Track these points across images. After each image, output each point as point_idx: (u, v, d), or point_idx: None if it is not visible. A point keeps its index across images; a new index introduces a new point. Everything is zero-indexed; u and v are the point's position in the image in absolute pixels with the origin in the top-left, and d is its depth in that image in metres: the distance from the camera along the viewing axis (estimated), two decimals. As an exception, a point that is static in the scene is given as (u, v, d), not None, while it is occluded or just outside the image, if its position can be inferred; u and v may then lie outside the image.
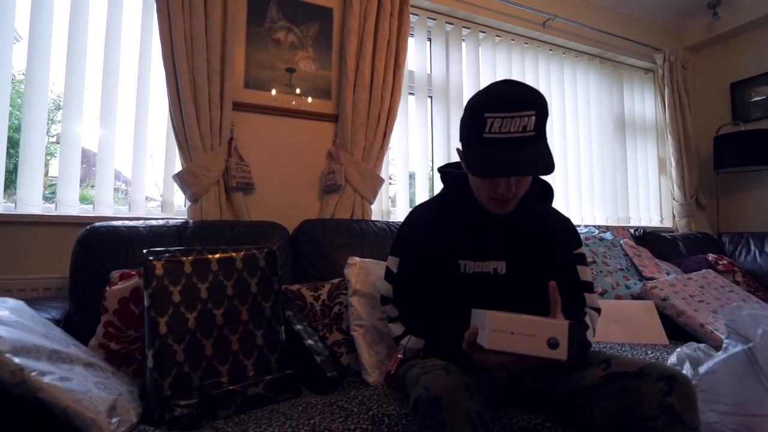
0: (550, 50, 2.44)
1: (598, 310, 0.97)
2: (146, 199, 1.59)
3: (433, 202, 1.03)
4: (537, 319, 0.69)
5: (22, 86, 1.44)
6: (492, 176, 0.81)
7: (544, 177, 0.99)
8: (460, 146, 0.92)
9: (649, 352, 1.28)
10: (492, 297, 0.93)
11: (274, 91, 1.70)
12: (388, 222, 1.63)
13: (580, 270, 0.97)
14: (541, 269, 0.94)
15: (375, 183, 1.76)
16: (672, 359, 1.11)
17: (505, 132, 0.77)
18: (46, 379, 0.68)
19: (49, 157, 1.50)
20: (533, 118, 0.77)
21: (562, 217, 1.02)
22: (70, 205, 1.44)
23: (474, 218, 0.94)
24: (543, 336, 0.68)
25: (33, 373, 0.67)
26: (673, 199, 2.68)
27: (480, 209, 0.92)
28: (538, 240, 0.94)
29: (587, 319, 0.92)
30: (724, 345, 0.92)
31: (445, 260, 0.94)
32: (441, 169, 1.00)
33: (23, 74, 1.42)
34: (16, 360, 0.66)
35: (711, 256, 2.08)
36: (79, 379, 0.74)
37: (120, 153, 1.54)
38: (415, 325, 0.93)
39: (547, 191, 0.96)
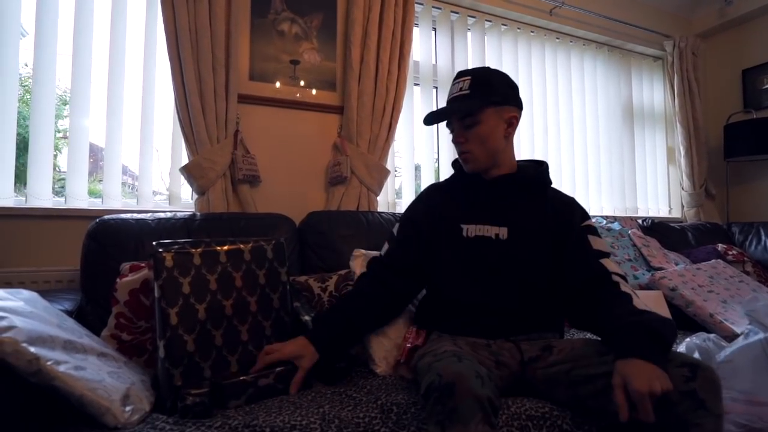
0: (557, 38, 2.41)
1: (622, 277, 0.94)
2: (153, 193, 1.60)
3: (444, 182, 1.17)
4: None
5: (29, 81, 1.45)
6: (427, 122, 1.06)
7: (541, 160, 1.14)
8: None
9: (657, 341, 1.28)
10: (495, 261, 0.98)
11: (278, 83, 1.70)
12: (395, 213, 1.63)
13: (592, 240, 0.98)
14: (545, 239, 0.99)
15: (381, 174, 1.76)
16: (681, 349, 1.10)
17: (449, 96, 1.04)
18: (62, 368, 0.69)
19: (57, 152, 1.51)
20: (468, 80, 1.00)
21: (566, 195, 1.09)
22: (80, 199, 1.45)
23: (474, 185, 1.05)
24: None
25: (49, 362, 0.68)
26: (682, 188, 2.64)
27: (478, 178, 1.05)
28: (540, 211, 1.01)
29: (624, 289, 0.88)
30: (745, 331, 0.90)
31: (448, 225, 1.03)
32: (453, 162, 1.14)
33: (30, 69, 1.43)
34: (32, 349, 0.67)
35: (720, 246, 2.06)
36: (92, 369, 0.75)
37: (127, 146, 1.55)
38: (365, 277, 1.07)
39: (541, 164, 1.09)
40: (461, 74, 1.03)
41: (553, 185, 1.09)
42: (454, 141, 1.03)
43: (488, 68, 1.05)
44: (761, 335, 0.81)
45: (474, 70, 1.03)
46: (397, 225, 1.11)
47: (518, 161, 1.09)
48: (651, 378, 0.70)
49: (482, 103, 0.99)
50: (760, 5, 2.46)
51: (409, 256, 1.06)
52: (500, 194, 1.03)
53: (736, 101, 2.66)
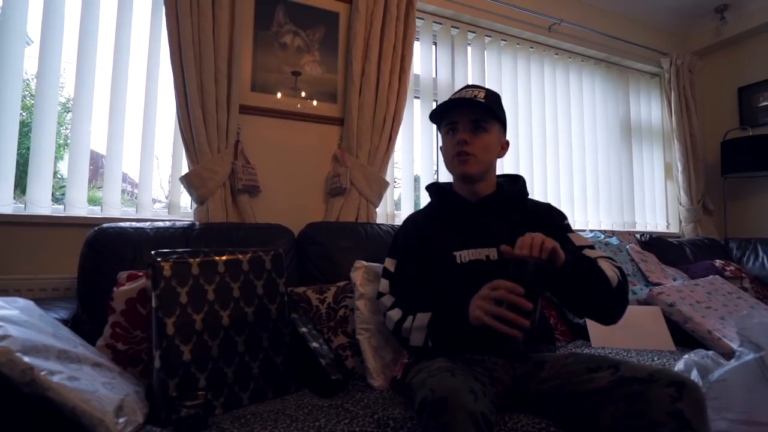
0: (556, 54, 2.44)
1: (608, 258, 0.96)
2: (153, 201, 1.60)
3: (423, 210, 1.16)
4: None
5: (33, 88, 1.46)
6: (447, 113, 1.03)
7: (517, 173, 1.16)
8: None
9: (655, 358, 1.27)
10: (488, 282, 0.95)
11: (279, 94, 1.72)
12: (393, 225, 1.63)
13: (573, 237, 1.01)
14: None
15: (380, 186, 1.76)
16: (680, 366, 1.10)
17: (460, 97, 1.01)
18: (55, 379, 0.68)
19: (58, 159, 1.52)
20: (483, 92, 1.01)
21: (542, 202, 1.11)
22: (79, 206, 1.45)
23: (459, 211, 1.06)
24: None
25: (42, 373, 0.67)
26: (680, 204, 2.66)
27: (463, 202, 1.06)
28: (521, 224, 1.00)
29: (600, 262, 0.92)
30: (737, 353, 0.91)
31: (441, 255, 1.02)
32: (427, 186, 1.14)
33: (34, 77, 1.44)
34: (26, 359, 0.67)
35: (718, 262, 2.06)
36: (87, 379, 0.74)
37: (128, 155, 1.56)
38: (415, 304, 0.97)
39: (518, 179, 1.11)
40: (475, 86, 1.05)
41: (529, 196, 1.12)
42: (458, 140, 1.00)
43: (496, 92, 1.07)
44: (753, 355, 0.81)
45: (487, 88, 1.05)
46: (387, 259, 1.08)
47: (497, 176, 1.11)
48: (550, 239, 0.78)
49: (495, 115, 1.01)
50: (756, 25, 2.51)
51: (414, 279, 1.04)
52: (486, 215, 1.04)
53: (733, 118, 2.69)
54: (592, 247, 1.00)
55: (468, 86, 1.06)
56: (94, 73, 1.50)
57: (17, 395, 0.67)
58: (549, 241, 0.80)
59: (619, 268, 0.95)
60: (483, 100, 1.00)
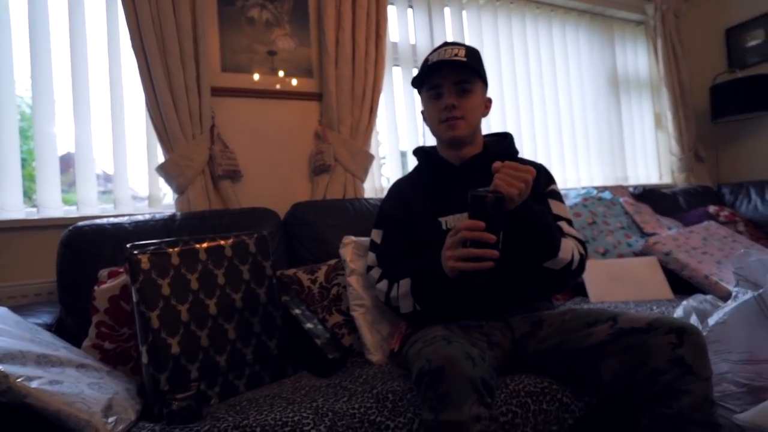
0: (537, 9, 2.35)
1: (579, 242, 0.93)
2: (132, 197, 1.54)
3: (408, 176, 1.13)
4: None
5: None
6: (427, 74, 0.97)
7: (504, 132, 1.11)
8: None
9: (654, 307, 1.27)
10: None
11: (256, 76, 1.63)
12: (381, 199, 1.59)
13: (553, 204, 0.97)
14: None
15: (365, 160, 1.71)
16: (678, 312, 1.09)
17: (440, 58, 0.95)
18: (34, 384, 0.65)
19: (28, 161, 1.44)
20: (462, 50, 0.96)
21: (532, 162, 1.05)
22: (53, 207, 1.39)
23: (444, 174, 1.02)
24: None
25: (19, 379, 0.64)
26: (671, 153, 2.63)
27: (448, 166, 1.02)
28: None
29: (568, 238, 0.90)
30: (733, 293, 0.89)
31: (426, 222, 0.99)
32: (414, 150, 1.11)
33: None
34: (0, 367, 0.63)
35: (712, 208, 2.05)
36: (70, 382, 0.71)
37: (99, 150, 1.49)
38: (398, 272, 0.94)
39: (506, 136, 1.07)
40: (453, 44, 0.99)
41: (520, 155, 1.07)
42: (445, 105, 0.96)
43: (475, 48, 1.01)
44: (751, 294, 0.79)
45: (468, 45, 0.99)
46: (374, 231, 1.06)
47: (483, 137, 1.07)
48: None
49: (479, 74, 0.97)
50: (741, -39, 2.42)
51: (401, 248, 1.01)
52: (472, 178, 0.98)
53: (721, 61, 2.63)
54: (570, 222, 0.96)
55: (446, 44, 1.00)
56: (51, 67, 1.41)
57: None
58: (524, 180, 0.78)
59: (582, 256, 0.90)
60: (464, 59, 0.94)
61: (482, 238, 0.72)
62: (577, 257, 0.88)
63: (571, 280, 0.91)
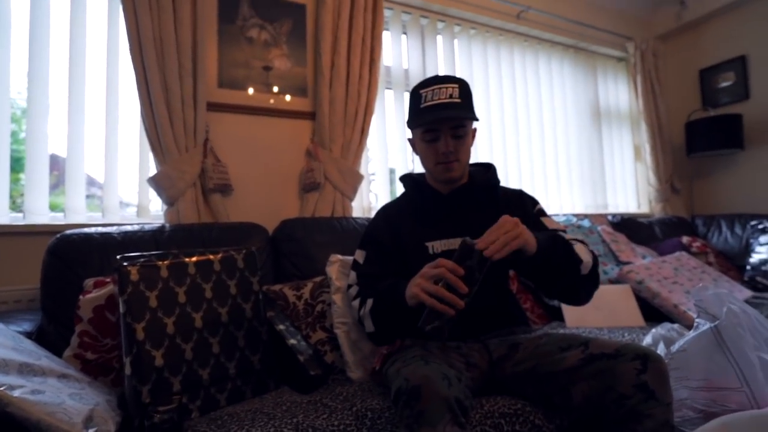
0: (525, 41, 2.47)
1: (582, 242, 0.98)
2: (121, 204, 1.55)
3: (397, 201, 1.15)
4: None
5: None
6: (428, 123, 0.98)
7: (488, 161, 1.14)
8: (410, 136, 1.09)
9: (626, 334, 1.32)
10: None
11: (251, 90, 1.68)
12: (369, 218, 1.63)
13: (546, 221, 1.03)
14: None
15: (354, 179, 1.76)
16: (647, 340, 1.14)
17: (436, 100, 0.97)
18: (16, 393, 0.66)
19: (17, 165, 1.44)
20: (457, 89, 0.97)
21: (513, 189, 1.13)
22: (39, 214, 1.39)
23: (432, 202, 1.05)
24: None
25: (1, 388, 0.65)
26: (649, 184, 2.75)
27: (436, 194, 1.05)
28: (495, 212, 0.98)
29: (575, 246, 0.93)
30: (695, 324, 0.95)
31: (413, 246, 1.01)
32: (401, 177, 1.13)
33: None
34: (-17, 375, 0.64)
35: (685, 239, 2.15)
36: (52, 392, 0.72)
37: (91, 157, 1.50)
38: (369, 291, 0.97)
39: (489, 167, 1.11)
40: (448, 80, 0.99)
41: (502, 183, 1.12)
42: (442, 151, 0.98)
43: (465, 80, 1.03)
44: (709, 325, 0.85)
45: (460, 79, 1.01)
46: (357, 251, 1.07)
47: (469, 166, 1.10)
48: (523, 231, 0.80)
49: (472, 116, 0.99)
50: (713, 8, 2.59)
51: (383, 269, 1.02)
52: (458, 205, 1.04)
53: (695, 99, 2.78)
54: (564, 231, 1.01)
55: (438, 80, 0.99)
56: (48, 72, 1.43)
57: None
58: (517, 239, 0.79)
59: (592, 252, 0.97)
60: (459, 100, 0.97)
61: (456, 285, 0.75)
62: (591, 255, 0.94)
63: (598, 276, 0.96)
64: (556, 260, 0.86)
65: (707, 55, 2.73)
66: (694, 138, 2.60)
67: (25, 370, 0.72)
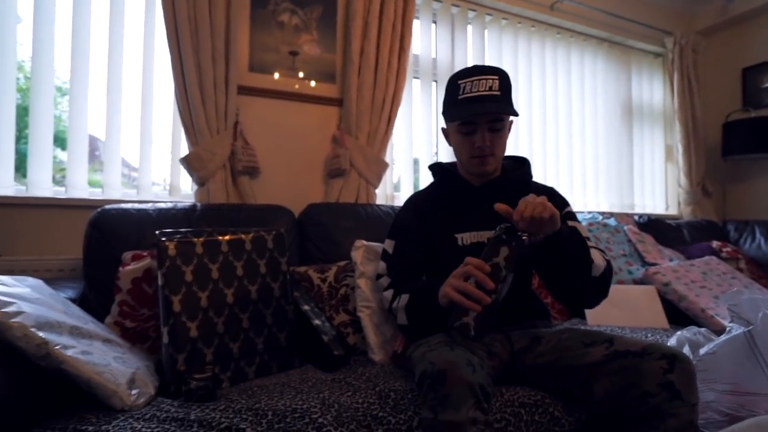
0: (558, 34, 2.41)
1: (601, 251, 0.98)
2: (153, 183, 1.61)
3: (426, 191, 1.14)
4: None
5: (28, 70, 1.45)
6: (466, 117, 0.96)
7: (521, 154, 1.13)
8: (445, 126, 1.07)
9: (649, 335, 1.31)
10: None
11: (277, 75, 1.70)
12: (393, 206, 1.65)
13: (572, 224, 0.99)
14: None
15: (379, 167, 1.77)
16: (672, 342, 1.13)
17: (475, 92, 0.94)
18: (69, 353, 0.71)
19: (58, 143, 1.51)
20: (497, 81, 0.95)
21: (545, 186, 1.10)
22: (80, 189, 1.46)
23: (463, 193, 1.04)
24: None
25: (57, 347, 0.70)
26: (679, 186, 2.66)
27: (467, 185, 1.04)
28: None
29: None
30: (727, 328, 0.93)
31: (443, 238, 1.02)
32: (430, 165, 1.12)
33: (30, 60, 1.42)
34: (41, 334, 0.69)
35: (715, 243, 2.08)
36: (99, 354, 0.77)
37: (126, 137, 1.55)
38: (405, 286, 0.98)
39: (523, 162, 1.09)
40: (488, 71, 0.96)
41: (533, 179, 1.11)
42: (478, 145, 0.96)
43: (505, 72, 1.00)
44: (742, 329, 0.83)
45: (500, 70, 0.98)
46: (387, 240, 1.07)
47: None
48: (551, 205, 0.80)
49: (511, 110, 0.96)
50: (762, 3, 2.46)
51: (412, 260, 1.03)
52: (490, 198, 0.99)
53: (736, 99, 2.67)
54: (588, 239, 0.99)
55: (479, 69, 0.96)
56: (88, 54, 1.48)
57: (34, 368, 0.69)
58: (547, 209, 0.79)
59: (608, 261, 0.95)
60: (498, 92, 0.94)
61: (482, 281, 0.75)
62: (605, 263, 0.94)
63: (609, 284, 0.95)
64: (569, 249, 0.86)
65: (752, 52, 2.60)
66: (731, 140, 2.50)
67: (75, 332, 0.77)
